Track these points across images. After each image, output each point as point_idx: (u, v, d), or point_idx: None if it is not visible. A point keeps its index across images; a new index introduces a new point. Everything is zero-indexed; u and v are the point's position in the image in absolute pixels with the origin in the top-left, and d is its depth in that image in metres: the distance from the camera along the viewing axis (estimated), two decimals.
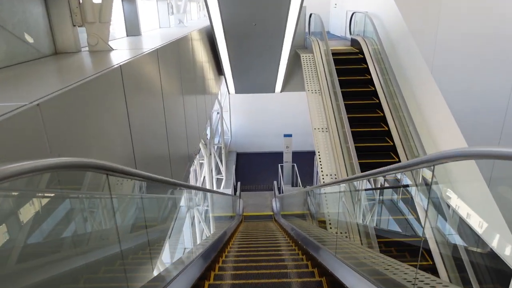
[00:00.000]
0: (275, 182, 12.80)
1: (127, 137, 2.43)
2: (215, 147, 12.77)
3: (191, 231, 4.27)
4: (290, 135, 13.00)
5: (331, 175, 6.69)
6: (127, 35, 4.83)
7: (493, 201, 1.89)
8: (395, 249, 4.53)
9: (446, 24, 8.05)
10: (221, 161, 11.67)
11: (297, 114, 16.29)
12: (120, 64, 2.33)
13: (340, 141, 7.09)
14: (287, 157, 13.26)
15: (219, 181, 12.55)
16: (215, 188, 11.74)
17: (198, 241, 5.35)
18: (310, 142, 17.10)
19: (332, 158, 6.95)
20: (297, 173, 12.74)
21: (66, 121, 1.67)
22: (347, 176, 6.53)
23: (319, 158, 6.98)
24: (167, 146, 3.60)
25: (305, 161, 15.73)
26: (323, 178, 6.65)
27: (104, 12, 3.05)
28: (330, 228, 5.99)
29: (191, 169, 7.36)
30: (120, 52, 3.12)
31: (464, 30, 8.12)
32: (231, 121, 16.07)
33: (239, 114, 16.34)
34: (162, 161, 3.43)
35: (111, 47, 3.20)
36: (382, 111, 7.42)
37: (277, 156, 15.31)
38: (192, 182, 6.77)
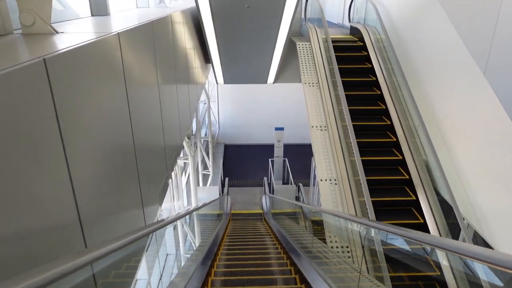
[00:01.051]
0: (265, 178, 12.10)
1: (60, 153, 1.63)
2: (202, 140, 11.94)
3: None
4: (281, 129, 12.26)
5: (330, 180, 5.98)
6: (92, 15, 3.94)
7: None
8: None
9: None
10: (208, 155, 10.88)
11: (289, 105, 15.51)
12: (45, 56, 1.51)
13: (340, 137, 6.38)
14: (278, 152, 12.53)
15: (205, 177, 11.78)
16: (201, 185, 10.97)
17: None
18: (303, 134, 16.44)
19: (332, 159, 6.24)
20: (289, 168, 12.05)
21: None
22: (348, 180, 5.84)
23: (317, 160, 6.26)
24: (133, 156, 2.78)
25: (296, 155, 15.05)
26: (320, 180, 5.94)
27: None
28: (331, 242, 5.31)
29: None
30: (67, 37, 2.28)
31: None
32: (219, 111, 15.20)
33: (228, 104, 15.47)
34: (125, 178, 2.63)
35: (54, 29, 2.35)
36: (384, 103, 6.71)
37: (267, 149, 14.58)
38: (170, 195, 5.96)
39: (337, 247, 5.28)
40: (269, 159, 12.91)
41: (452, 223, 4.86)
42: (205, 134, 12.05)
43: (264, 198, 11.57)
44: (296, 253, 5.33)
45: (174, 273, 7.45)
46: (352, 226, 4.75)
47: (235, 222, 9.90)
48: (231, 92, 15.20)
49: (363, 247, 3.88)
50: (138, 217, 2.92)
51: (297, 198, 10.88)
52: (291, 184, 11.34)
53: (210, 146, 10.68)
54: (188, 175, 6.90)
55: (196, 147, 10.50)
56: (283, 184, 12.75)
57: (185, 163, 6.68)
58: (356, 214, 5.45)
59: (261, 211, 11.15)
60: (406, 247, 3.13)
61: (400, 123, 6.36)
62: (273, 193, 11.09)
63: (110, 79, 2.43)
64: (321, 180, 5.99)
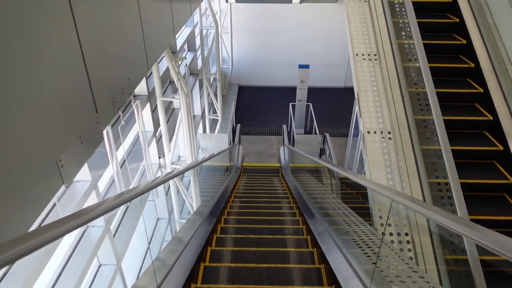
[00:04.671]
0: (284, 126, 10.23)
1: None
2: (211, 78, 9.98)
3: None
4: (306, 66, 10.10)
5: (381, 132, 4.06)
6: None
7: None
8: None
9: None
10: (216, 96, 9.00)
11: (316, 40, 13.07)
12: None
13: (397, 70, 4.34)
14: (302, 95, 10.50)
15: (213, 122, 10.01)
16: (208, 131, 9.23)
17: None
18: (330, 76, 14.14)
19: (385, 102, 4.27)
20: (313, 115, 10.09)
21: None
22: (409, 133, 3.91)
23: (362, 103, 4.30)
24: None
25: (323, 99, 12.95)
26: (367, 133, 4.04)
27: None
28: (381, 226, 3.54)
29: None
30: None
31: None
32: (232, 45, 12.94)
33: (243, 37, 13.14)
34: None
35: None
36: (467, 35, 4.47)
37: (288, 93, 12.53)
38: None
39: (391, 234, 3.52)
40: (290, 104, 10.93)
41: None
42: (215, 71, 10.04)
43: (283, 149, 9.82)
44: (325, 238, 3.59)
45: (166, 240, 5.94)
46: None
47: (246, 178, 8.26)
48: (247, 21, 12.79)
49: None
50: None
51: (322, 151, 9.05)
52: (316, 133, 9.45)
53: (218, 84, 8.75)
54: (180, 124, 5.09)
55: (202, 85, 8.59)
56: (305, 133, 10.88)
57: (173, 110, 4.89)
58: (422, 187, 3.59)
59: (278, 165, 9.46)
60: None
61: (491, 61, 4.17)
62: (293, 144, 9.30)
63: None
64: (368, 132, 4.09)
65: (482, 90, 4.03)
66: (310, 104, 10.63)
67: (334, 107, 12.82)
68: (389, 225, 3.57)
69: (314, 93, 12.56)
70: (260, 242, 3.77)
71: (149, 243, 4.74)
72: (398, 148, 3.90)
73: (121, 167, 3.94)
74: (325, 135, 8.74)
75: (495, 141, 3.72)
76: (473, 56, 4.25)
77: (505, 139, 3.58)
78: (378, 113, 4.20)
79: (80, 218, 1.26)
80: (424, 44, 3.83)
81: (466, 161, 3.62)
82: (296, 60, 11.47)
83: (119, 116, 3.61)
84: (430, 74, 3.54)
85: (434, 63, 4.06)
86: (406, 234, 3.51)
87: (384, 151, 3.96)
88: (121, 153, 4.51)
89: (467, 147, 3.70)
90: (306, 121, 11.01)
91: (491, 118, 3.82)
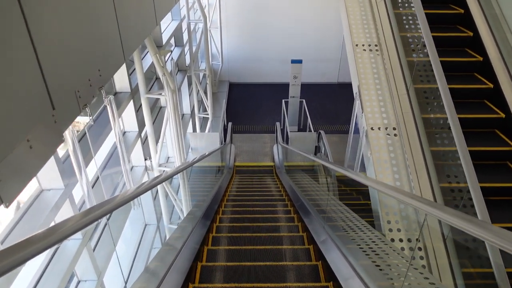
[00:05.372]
0: (277, 124, 9.89)
1: None
2: (200, 75, 9.58)
3: None
4: (299, 61, 9.76)
5: (386, 128, 3.75)
6: None
7: None
8: None
9: None
10: (205, 94, 8.61)
11: (308, 34, 12.74)
12: None
13: (400, 60, 4.02)
14: (295, 91, 10.17)
15: (204, 121, 9.61)
16: (198, 130, 8.84)
17: None
18: (322, 71, 13.83)
19: (388, 95, 3.96)
20: (307, 111, 9.76)
21: None
22: (416, 127, 3.60)
23: (364, 97, 3.97)
24: None
25: (315, 96, 12.64)
26: (371, 129, 3.72)
27: None
28: (390, 232, 3.22)
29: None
30: None
31: None
32: (222, 41, 12.53)
33: (233, 32, 12.73)
34: None
35: None
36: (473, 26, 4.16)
37: (281, 89, 12.18)
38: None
39: (400, 240, 3.20)
40: (283, 100, 10.59)
41: None
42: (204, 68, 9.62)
43: (276, 147, 9.48)
44: (327, 244, 3.26)
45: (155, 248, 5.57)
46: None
47: (239, 179, 7.90)
48: (237, 15, 12.39)
49: None
50: None
51: (318, 149, 8.74)
52: (310, 130, 9.13)
53: (208, 81, 8.36)
54: (167, 123, 4.70)
55: (191, 83, 8.19)
56: (299, 130, 10.57)
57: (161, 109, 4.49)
58: (433, 188, 3.28)
59: (272, 164, 9.12)
60: None
61: (499, 49, 3.87)
62: (287, 142, 8.96)
63: None
64: (372, 128, 3.76)
65: (492, 86, 3.73)
66: (304, 100, 10.30)
67: (327, 103, 12.52)
68: (398, 230, 3.26)
69: (307, 90, 12.24)
70: (257, 255, 3.43)
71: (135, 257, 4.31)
72: (404, 145, 3.59)
73: (101, 173, 3.55)
74: (320, 132, 8.43)
75: (508, 140, 3.42)
76: (480, 49, 3.95)
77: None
78: (382, 107, 3.88)
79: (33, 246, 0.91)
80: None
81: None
82: (288, 56, 11.13)
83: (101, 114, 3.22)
84: (442, 70, 3.22)
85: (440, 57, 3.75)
86: (417, 240, 3.20)
87: (389, 148, 3.64)
88: (102, 157, 4.11)
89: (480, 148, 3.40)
90: (299, 118, 10.68)
91: (503, 115, 3.53)
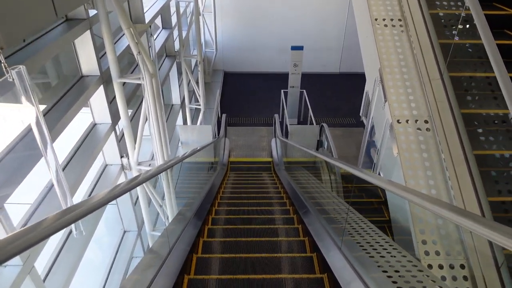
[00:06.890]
0: (276, 116, 9.11)
1: None
2: (192, 61, 8.75)
3: None
4: (300, 48, 8.97)
5: (416, 121, 3.00)
6: None
7: None
8: None
9: None
10: (197, 83, 7.80)
11: (308, 20, 11.91)
12: None
13: (430, 38, 3.26)
14: (295, 80, 9.39)
15: (196, 113, 8.80)
16: (189, 123, 8.05)
17: None
18: (323, 61, 13.01)
19: (417, 79, 3.20)
20: (308, 103, 8.99)
21: None
22: (454, 119, 2.86)
23: (387, 83, 3.21)
24: None
25: (316, 87, 11.85)
26: (398, 122, 2.97)
27: None
28: (426, 257, 2.48)
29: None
30: None
31: None
32: (216, 27, 11.65)
33: (228, 18, 11.86)
34: None
35: None
36: None
37: (280, 79, 11.38)
38: None
39: (440, 267, 2.47)
40: (282, 91, 9.80)
41: None
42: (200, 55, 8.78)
43: (275, 141, 8.72)
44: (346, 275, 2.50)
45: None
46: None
47: (234, 176, 7.15)
48: (233, 1, 11.53)
49: None
50: None
51: (320, 143, 7.99)
52: (312, 123, 8.37)
53: (199, 68, 7.53)
54: (148, 115, 3.92)
55: (181, 72, 7.38)
56: (299, 123, 9.81)
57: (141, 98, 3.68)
58: (479, 199, 2.54)
59: (269, 160, 8.37)
60: None
61: None
62: (286, 136, 8.20)
63: None
64: (398, 121, 3.01)
65: None
66: (304, 91, 9.52)
67: (329, 94, 11.75)
68: (437, 253, 2.52)
69: (307, 80, 11.46)
70: (255, 263, 2.70)
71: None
72: (440, 142, 2.84)
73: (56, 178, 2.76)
74: (322, 126, 7.67)
75: None
76: None
77: None
78: (410, 95, 3.13)
79: None
80: None
81: None
82: (287, 43, 10.31)
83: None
84: (499, 55, 2.45)
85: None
86: (462, 267, 2.47)
87: (421, 146, 2.89)
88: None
89: None
90: (299, 110, 9.92)
91: None
